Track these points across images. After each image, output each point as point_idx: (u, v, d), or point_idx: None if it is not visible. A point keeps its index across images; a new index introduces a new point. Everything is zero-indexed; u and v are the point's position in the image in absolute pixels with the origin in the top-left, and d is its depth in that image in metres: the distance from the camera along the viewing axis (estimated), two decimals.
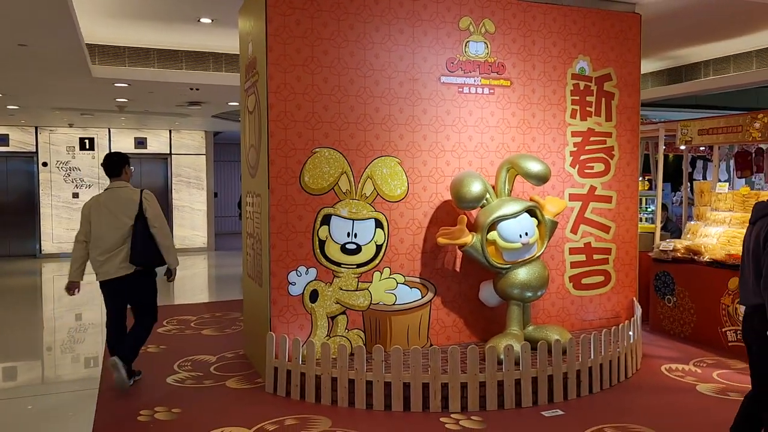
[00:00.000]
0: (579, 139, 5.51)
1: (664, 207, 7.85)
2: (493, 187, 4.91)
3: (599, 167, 5.61)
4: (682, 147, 7.01)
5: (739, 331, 5.53)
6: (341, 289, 4.78)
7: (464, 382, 4.27)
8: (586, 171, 5.56)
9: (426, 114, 4.96)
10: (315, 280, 4.71)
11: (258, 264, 5.01)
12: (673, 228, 7.98)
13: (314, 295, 4.72)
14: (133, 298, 4.86)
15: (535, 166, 4.72)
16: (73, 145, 13.58)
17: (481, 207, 4.81)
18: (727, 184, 6.64)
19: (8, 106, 10.50)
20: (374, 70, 4.81)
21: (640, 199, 8.36)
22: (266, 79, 4.55)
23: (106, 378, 5.04)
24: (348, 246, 4.78)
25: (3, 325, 7.39)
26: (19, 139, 13.30)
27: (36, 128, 13.34)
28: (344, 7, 4.71)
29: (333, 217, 4.73)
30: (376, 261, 4.85)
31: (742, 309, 5.40)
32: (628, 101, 5.68)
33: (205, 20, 6.56)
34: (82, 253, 4.77)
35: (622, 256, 5.74)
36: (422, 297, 5.00)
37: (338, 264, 4.76)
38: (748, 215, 5.99)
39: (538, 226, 4.84)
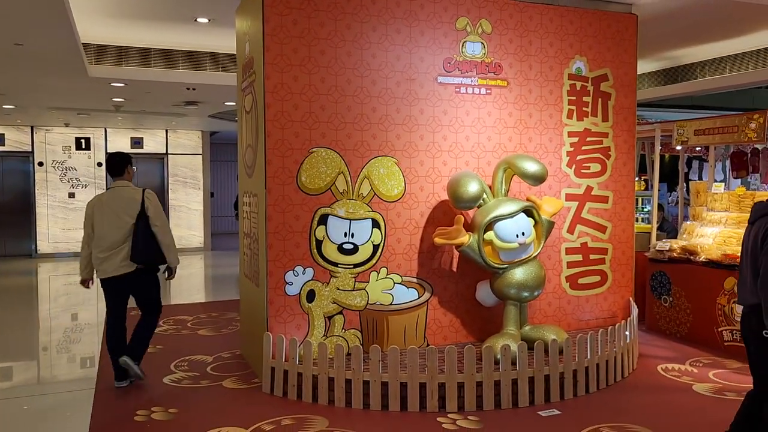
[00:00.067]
0: (576, 140, 5.52)
1: (660, 207, 7.87)
2: (490, 187, 4.91)
3: (596, 167, 5.62)
4: (678, 147, 7.03)
5: (734, 331, 5.55)
6: (338, 289, 4.78)
7: (461, 381, 4.28)
8: (583, 171, 5.57)
9: (423, 114, 4.97)
10: (312, 280, 4.71)
11: (255, 264, 5.01)
12: (669, 228, 8.01)
13: (311, 295, 4.72)
14: (136, 295, 4.93)
15: (531, 166, 4.73)
16: (69, 144, 13.55)
17: (478, 207, 4.81)
18: (723, 184, 6.66)
19: (4, 106, 10.47)
20: (371, 69, 4.81)
21: (637, 200, 8.39)
22: (263, 79, 4.54)
23: (103, 378, 5.03)
24: (345, 246, 4.78)
25: None
26: (15, 139, 13.27)
27: (32, 128, 13.30)
28: (341, 7, 4.71)
29: (330, 217, 4.73)
30: (373, 261, 4.86)
31: (738, 309, 5.43)
32: (624, 101, 5.70)
33: (202, 20, 6.55)
34: (87, 252, 4.88)
35: (618, 256, 5.75)
36: (419, 297, 5.01)
37: (335, 264, 4.76)
38: (744, 215, 6.05)
39: (534, 226, 4.84)
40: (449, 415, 4.19)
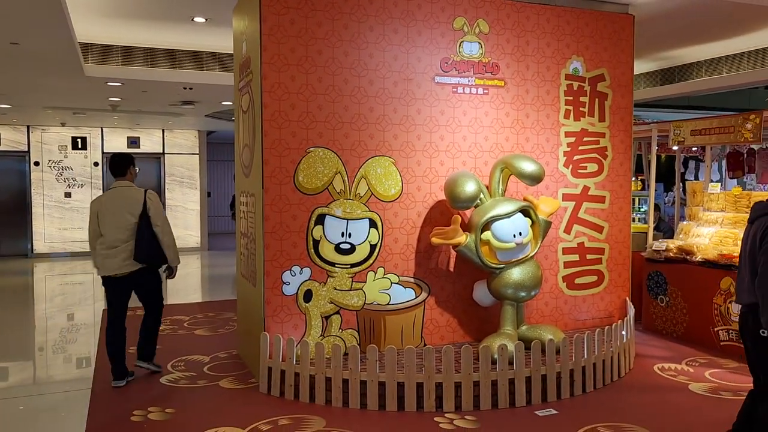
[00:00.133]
0: (572, 140, 5.52)
1: (657, 207, 7.90)
2: (487, 187, 4.92)
3: (592, 167, 5.63)
4: (675, 147, 7.05)
5: (731, 331, 5.57)
6: (335, 288, 4.78)
7: (458, 381, 4.28)
8: (580, 171, 5.58)
9: (420, 114, 4.97)
10: (309, 279, 4.71)
11: (252, 264, 5.00)
12: (665, 228, 8.03)
13: (308, 295, 4.71)
14: (139, 293, 5.04)
15: (528, 166, 4.74)
16: (66, 144, 13.51)
17: (475, 207, 4.82)
18: (719, 184, 6.68)
19: (0, 105, 10.43)
20: (368, 69, 4.81)
21: (633, 199, 8.40)
22: (260, 79, 4.54)
23: (99, 378, 5.03)
24: (342, 246, 4.77)
25: None
26: (11, 138, 13.22)
27: (28, 127, 13.26)
28: (338, 7, 4.70)
29: (327, 216, 4.72)
30: (370, 261, 4.85)
31: (734, 308, 5.44)
32: (621, 102, 5.71)
33: (199, 19, 6.54)
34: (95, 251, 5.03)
35: (615, 256, 5.76)
36: (416, 297, 5.01)
37: (332, 264, 4.76)
38: (740, 215, 6.07)
39: (531, 226, 4.85)
40: (446, 415, 4.19)
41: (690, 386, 4.79)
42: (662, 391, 4.71)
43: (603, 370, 4.76)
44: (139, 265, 4.85)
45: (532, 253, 4.86)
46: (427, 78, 4.98)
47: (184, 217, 14.44)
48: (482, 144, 5.18)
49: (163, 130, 14.25)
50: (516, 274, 4.77)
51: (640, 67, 8.76)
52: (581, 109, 5.54)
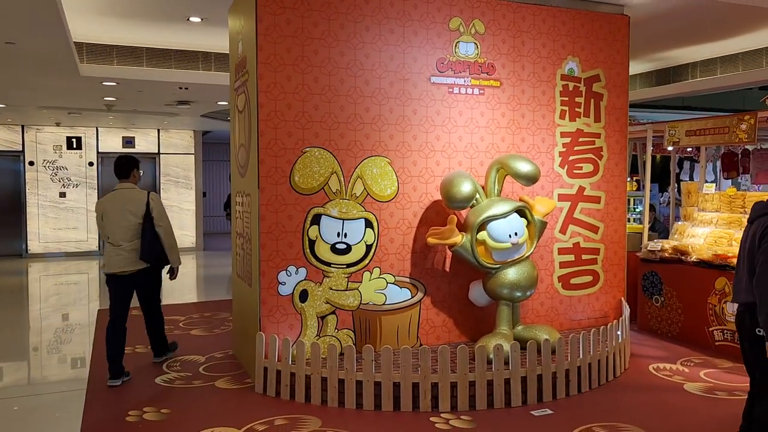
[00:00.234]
0: (568, 140, 5.54)
1: (652, 207, 7.91)
2: (483, 188, 4.92)
3: (588, 168, 5.64)
4: (670, 148, 7.07)
5: (725, 331, 5.59)
6: (331, 288, 4.77)
7: (454, 381, 4.28)
8: (575, 171, 5.59)
9: (416, 114, 4.97)
10: (305, 279, 4.71)
11: (248, 264, 5.00)
12: (660, 228, 8.05)
13: (304, 295, 4.71)
14: (139, 293, 5.20)
15: (524, 167, 4.74)
16: (60, 144, 13.47)
17: (471, 207, 4.82)
18: (714, 185, 6.70)
19: None
20: (364, 69, 4.81)
21: (628, 200, 8.43)
22: (256, 79, 4.53)
23: (94, 378, 5.01)
24: (338, 246, 4.77)
25: None
26: (6, 138, 13.17)
27: (22, 127, 13.21)
28: (335, 7, 4.70)
29: (323, 216, 4.72)
30: (366, 261, 4.85)
31: (729, 308, 5.47)
32: (616, 102, 5.72)
33: (195, 19, 6.53)
34: None
35: (610, 256, 5.77)
36: (412, 297, 5.01)
37: (328, 264, 4.76)
38: (735, 216, 6.09)
39: (527, 226, 4.86)
40: (442, 415, 4.19)
41: (685, 386, 4.81)
42: (657, 390, 4.72)
43: (598, 370, 4.77)
44: (143, 264, 4.99)
45: (528, 253, 4.87)
46: (423, 78, 4.99)
47: (179, 217, 14.40)
48: (478, 144, 5.19)
49: (158, 130, 14.22)
50: (512, 274, 4.78)
51: (636, 67, 8.78)
52: (577, 109, 5.56)
